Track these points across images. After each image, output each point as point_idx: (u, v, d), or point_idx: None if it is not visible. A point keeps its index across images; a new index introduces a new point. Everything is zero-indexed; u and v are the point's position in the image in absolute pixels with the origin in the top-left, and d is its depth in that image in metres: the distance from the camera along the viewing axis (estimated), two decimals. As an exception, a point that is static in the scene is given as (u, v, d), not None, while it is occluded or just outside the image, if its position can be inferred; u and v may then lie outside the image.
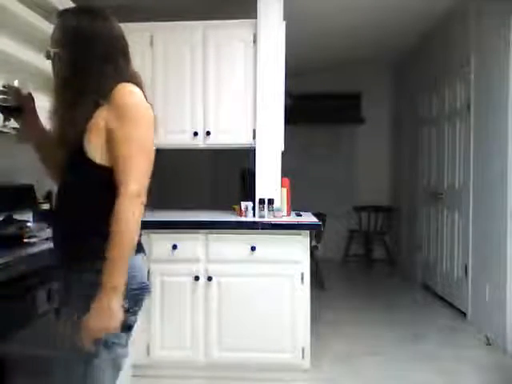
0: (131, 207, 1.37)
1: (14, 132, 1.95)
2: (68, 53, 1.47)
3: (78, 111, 1.41)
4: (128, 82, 1.46)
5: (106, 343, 1.39)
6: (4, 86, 1.59)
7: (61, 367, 1.44)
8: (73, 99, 1.43)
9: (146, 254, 1.60)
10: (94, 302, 1.34)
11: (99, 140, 1.41)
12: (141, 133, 1.43)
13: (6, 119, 1.64)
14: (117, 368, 1.47)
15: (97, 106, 1.41)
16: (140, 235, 1.47)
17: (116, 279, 1.34)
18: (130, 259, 1.39)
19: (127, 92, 1.43)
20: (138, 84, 1.50)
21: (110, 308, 1.33)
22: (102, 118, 1.40)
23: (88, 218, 1.44)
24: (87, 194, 1.45)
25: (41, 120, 1.66)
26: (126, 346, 1.48)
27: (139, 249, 1.51)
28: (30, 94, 1.63)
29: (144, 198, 1.42)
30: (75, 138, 1.42)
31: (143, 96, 1.48)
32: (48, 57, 1.50)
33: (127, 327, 1.45)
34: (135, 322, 1.50)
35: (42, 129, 1.64)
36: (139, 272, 1.48)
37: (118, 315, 1.35)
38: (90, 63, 1.45)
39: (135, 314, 1.48)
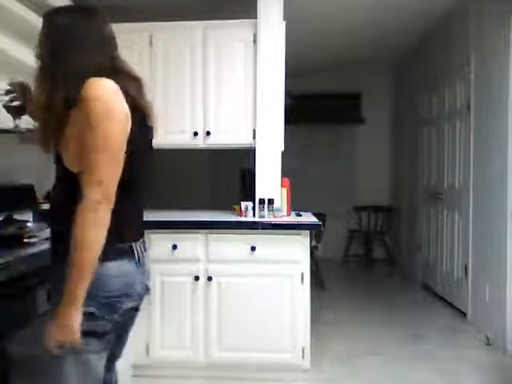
0: (91, 217, 1.29)
1: (24, 130, 1.94)
2: (46, 46, 1.45)
3: (51, 112, 1.37)
4: (102, 69, 1.39)
5: (74, 349, 1.36)
6: (9, 85, 1.57)
7: (47, 367, 1.45)
8: (48, 95, 1.38)
9: (139, 260, 1.51)
10: (55, 313, 1.32)
11: (71, 143, 1.36)
12: (105, 130, 1.31)
13: (15, 118, 1.63)
14: (91, 373, 1.43)
15: (70, 102, 1.35)
16: (133, 241, 1.47)
17: (74, 292, 1.30)
18: (106, 265, 1.37)
19: (93, 87, 1.32)
20: (120, 73, 1.44)
21: (66, 325, 1.31)
22: (73, 117, 1.35)
23: (66, 217, 1.36)
24: (64, 192, 1.43)
25: None
26: (98, 351, 1.43)
27: (125, 254, 1.45)
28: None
29: (110, 202, 1.32)
30: (50, 137, 1.39)
31: (115, 89, 1.35)
32: (36, 56, 1.49)
33: (100, 334, 1.41)
34: (111, 328, 1.44)
35: None
36: (121, 278, 1.43)
37: (75, 330, 1.32)
38: (63, 54, 1.41)
39: (110, 321, 1.42)
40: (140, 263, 1.51)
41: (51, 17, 1.49)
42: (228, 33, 3.32)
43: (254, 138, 3.29)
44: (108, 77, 1.36)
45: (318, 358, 3.22)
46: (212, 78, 3.32)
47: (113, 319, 1.42)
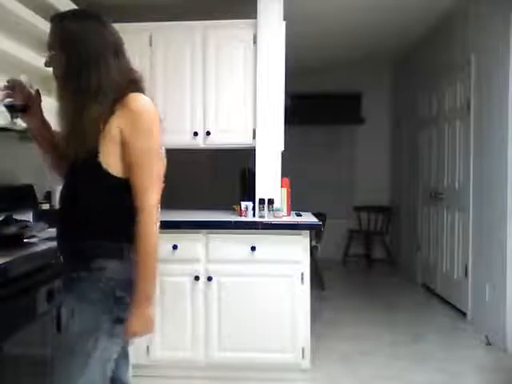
0: (152, 221, 1.46)
1: (20, 129, 1.94)
2: (62, 55, 1.47)
3: (87, 118, 1.42)
4: (131, 82, 1.49)
5: (113, 334, 1.48)
6: (8, 81, 1.57)
7: (61, 365, 1.47)
8: (79, 104, 1.44)
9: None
10: (133, 307, 1.47)
11: (114, 150, 1.43)
12: (155, 142, 1.48)
13: (12, 117, 1.63)
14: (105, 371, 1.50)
15: (109, 111, 1.42)
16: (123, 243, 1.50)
17: (148, 289, 1.49)
18: (128, 260, 1.48)
19: (141, 101, 1.45)
20: (142, 86, 1.53)
21: (146, 314, 1.49)
22: (115, 126, 1.42)
23: (96, 222, 1.49)
24: (95, 198, 1.48)
25: (45, 118, 1.65)
26: (118, 337, 1.51)
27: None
28: (37, 91, 1.62)
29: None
30: (87, 145, 1.42)
31: (152, 102, 1.50)
32: (46, 64, 1.52)
33: (120, 320, 1.50)
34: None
35: (47, 126, 1.65)
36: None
37: (153, 320, 1.52)
38: (87, 64, 1.44)
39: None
40: None
41: (69, 23, 1.48)
42: (228, 33, 3.32)
43: (254, 138, 3.29)
44: (135, 86, 1.49)
45: (317, 357, 3.22)
46: (212, 77, 3.32)
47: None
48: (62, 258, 1.55)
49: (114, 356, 1.52)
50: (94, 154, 1.43)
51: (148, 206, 1.44)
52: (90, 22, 1.49)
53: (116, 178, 1.45)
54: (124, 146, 1.43)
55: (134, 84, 1.50)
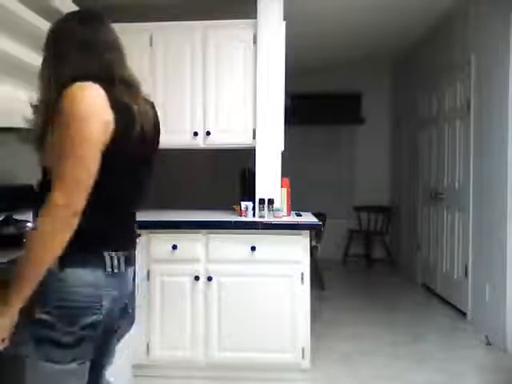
0: (50, 220, 1.24)
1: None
2: (44, 51, 1.48)
3: (41, 113, 1.38)
4: (91, 77, 1.35)
5: (33, 356, 1.36)
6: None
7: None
8: (40, 98, 1.41)
9: (114, 273, 1.40)
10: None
11: (49, 147, 1.35)
12: (74, 134, 1.27)
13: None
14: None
15: (55, 105, 1.33)
16: (108, 251, 1.39)
17: (12, 294, 1.26)
18: (66, 272, 1.32)
19: (73, 89, 1.29)
20: (120, 83, 1.40)
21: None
22: (56, 123, 1.32)
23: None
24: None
25: None
26: (63, 362, 1.35)
27: (91, 263, 1.36)
28: None
29: (74, 211, 1.26)
30: (37, 138, 1.39)
31: (97, 95, 1.31)
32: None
33: (62, 344, 1.33)
34: (75, 340, 1.34)
35: None
36: (83, 288, 1.34)
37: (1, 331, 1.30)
38: (47, 58, 1.44)
39: (71, 333, 1.33)
40: (114, 276, 1.40)
41: (53, 24, 1.51)
42: (228, 33, 3.32)
43: (254, 138, 3.29)
44: (99, 83, 1.33)
45: (317, 358, 3.22)
46: (212, 77, 3.33)
47: (73, 331, 1.33)
48: None
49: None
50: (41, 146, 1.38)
51: (51, 201, 1.25)
52: (69, 21, 1.48)
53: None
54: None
55: (95, 76, 1.36)
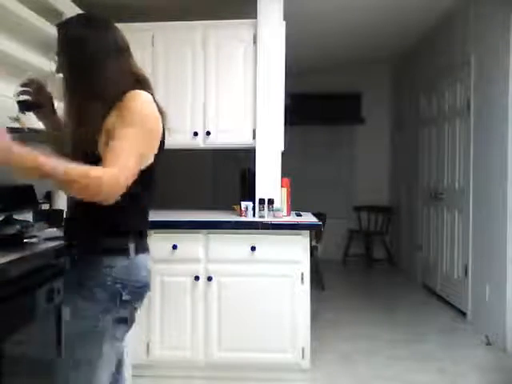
0: (104, 177, 1.33)
1: (27, 130, 1.96)
2: (65, 58, 1.53)
3: (87, 119, 1.44)
4: (136, 83, 1.52)
5: (110, 333, 1.48)
6: (28, 80, 1.66)
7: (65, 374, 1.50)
8: (81, 104, 1.47)
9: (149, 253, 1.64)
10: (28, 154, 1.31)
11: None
12: (137, 137, 1.42)
13: (21, 111, 1.70)
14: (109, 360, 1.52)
15: (106, 110, 1.45)
16: (145, 237, 1.61)
17: (51, 170, 1.31)
18: (138, 257, 1.52)
19: (136, 97, 1.47)
20: (145, 85, 1.56)
21: (15, 152, 1.29)
22: (111, 123, 1.44)
23: (100, 219, 1.50)
24: None
25: (58, 117, 1.73)
26: (122, 338, 1.55)
27: (147, 249, 1.61)
28: (49, 94, 1.71)
29: (118, 193, 1.37)
30: (88, 142, 1.44)
31: (151, 100, 1.52)
32: (57, 70, 1.57)
33: (129, 320, 1.55)
34: (131, 318, 1.56)
35: (60, 125, 1.71)
36: (146, 270, 1.57)
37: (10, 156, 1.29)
38: (88, 66, 1.49)
39: (135, 309, 1.57)
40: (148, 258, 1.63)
41: (70, 28, 1.54)
42: (228, 33, 3.32)
43: (254, 138, 3.29)
44: (138, 86, 1.50)
45: (317, 357, 3.22)
46: (212, 77, 3.32)
47: (136, 308, 1.58)
48: (69, 255, 1.55)
49: (115, 357, 1.54)
50: (94, 150, 1.44)
51: (108, 169, 1.35)
52: (92, 25, 1.53)
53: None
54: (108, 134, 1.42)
55: (138, 84, 1.52)
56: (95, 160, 1.41)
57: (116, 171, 1.35)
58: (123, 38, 1.59)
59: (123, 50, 1.56)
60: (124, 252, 1.49)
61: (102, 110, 1.45)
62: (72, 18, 1.63)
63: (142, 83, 1.55)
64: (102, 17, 1.58)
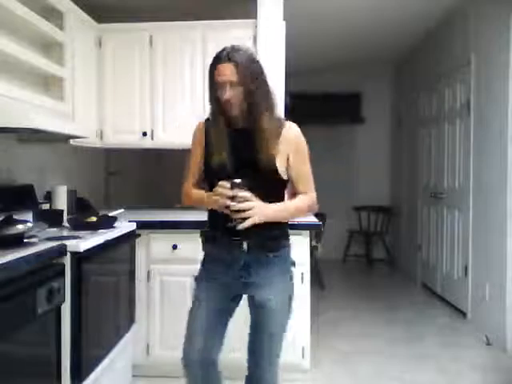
0: (310, 202, 1.98)
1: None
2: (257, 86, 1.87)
3: (265, 143, 1.82)
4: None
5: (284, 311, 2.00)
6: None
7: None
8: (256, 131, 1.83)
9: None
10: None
11: (283, 164, 1.87)
12: (308, 161, 2.02)
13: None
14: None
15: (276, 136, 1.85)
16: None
17: (280, 214, 1.87)
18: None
19: (298, 132, 1.99)
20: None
21: (269, 213, 1.80)
22: (283, 149, 1.86)
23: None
24: (274, 191, 1.90)
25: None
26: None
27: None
28: None
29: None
30: (268, 162, 1.82)
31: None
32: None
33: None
34: None
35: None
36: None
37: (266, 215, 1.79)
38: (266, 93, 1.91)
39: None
40: None
41: (253, 61, 1.90)
42: (228, 33, 3.31)
43: (254, 138, 3.29)
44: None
45: (318, 357, 3.22)
46: (212, 77, 3.32)
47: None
48: (247, 244, 1.84)
49: None
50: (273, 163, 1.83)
51: (312, 194, 2.00)
52: (255, 57, 1.94)
53: (284, 180, 1.89)
54: (289, 162, 1.89)
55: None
56: (273, 173, 1.88)
57: (314, 194, 2.08)
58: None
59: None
60: (288, 237, 2.05)
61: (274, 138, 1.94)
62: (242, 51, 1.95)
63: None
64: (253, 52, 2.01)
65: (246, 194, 1.73)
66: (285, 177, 1.88)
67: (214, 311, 1.98)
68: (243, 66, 1.78)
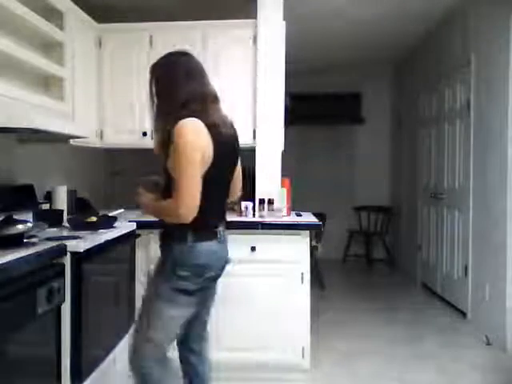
0: (171, 211, 1.88)
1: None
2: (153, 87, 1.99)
3: (160, 136, 1.92)
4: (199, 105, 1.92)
5: (169, 298, 1.94)
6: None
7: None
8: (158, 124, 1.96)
9: (222, 239, 2.02)
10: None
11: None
12: (184, 161, 1.81)
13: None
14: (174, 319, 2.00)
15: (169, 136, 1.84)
16: (217, 227, 1.99)
17: (154, 210, 2.00)
18: (197, 245, 1.92)
19: (182, 127, 1.82)
20: (196, 105, 1.91)
21: (148, 209, 2.02)
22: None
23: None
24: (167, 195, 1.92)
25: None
26: (186, 305, 1.97)
27: (212, 236, 1.96)
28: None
29: (186, 207, 1.83)
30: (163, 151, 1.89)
31: (197, 130, 1.83)
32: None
33: (189, 292, 1.93)
34: (193, 289, 1.94)
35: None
36: (208, 254, 1.95)
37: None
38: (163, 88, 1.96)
39: (196, 284, 1.94)
40: (222, 242, 2.02)
41: (158, 60, 2.01)
42: (228, 33, 3.32)
43: (254, 137, 3.29)
44: (200, 104, 1.92)
45: (317, 357, 3.22)
46: (212, 77, 3.31)
47: (198, 283, 1.94)
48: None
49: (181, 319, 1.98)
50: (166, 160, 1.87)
51: (176, 202, 1.82)
52: (172, 56, 1.99)
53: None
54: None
55: (198, 100, 1.94)
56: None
57: (175, 203, 1.87)
58: (195, 63, 2.05)
59: (192, 72, 2.00)
60: (182, 239, 1.95)
61: (168, 132, 1.89)
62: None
63: (193, 103, 1.94)
64: (180, 50, 2.03)
65: (141, 189, 2.00)
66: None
67: None
68: None
